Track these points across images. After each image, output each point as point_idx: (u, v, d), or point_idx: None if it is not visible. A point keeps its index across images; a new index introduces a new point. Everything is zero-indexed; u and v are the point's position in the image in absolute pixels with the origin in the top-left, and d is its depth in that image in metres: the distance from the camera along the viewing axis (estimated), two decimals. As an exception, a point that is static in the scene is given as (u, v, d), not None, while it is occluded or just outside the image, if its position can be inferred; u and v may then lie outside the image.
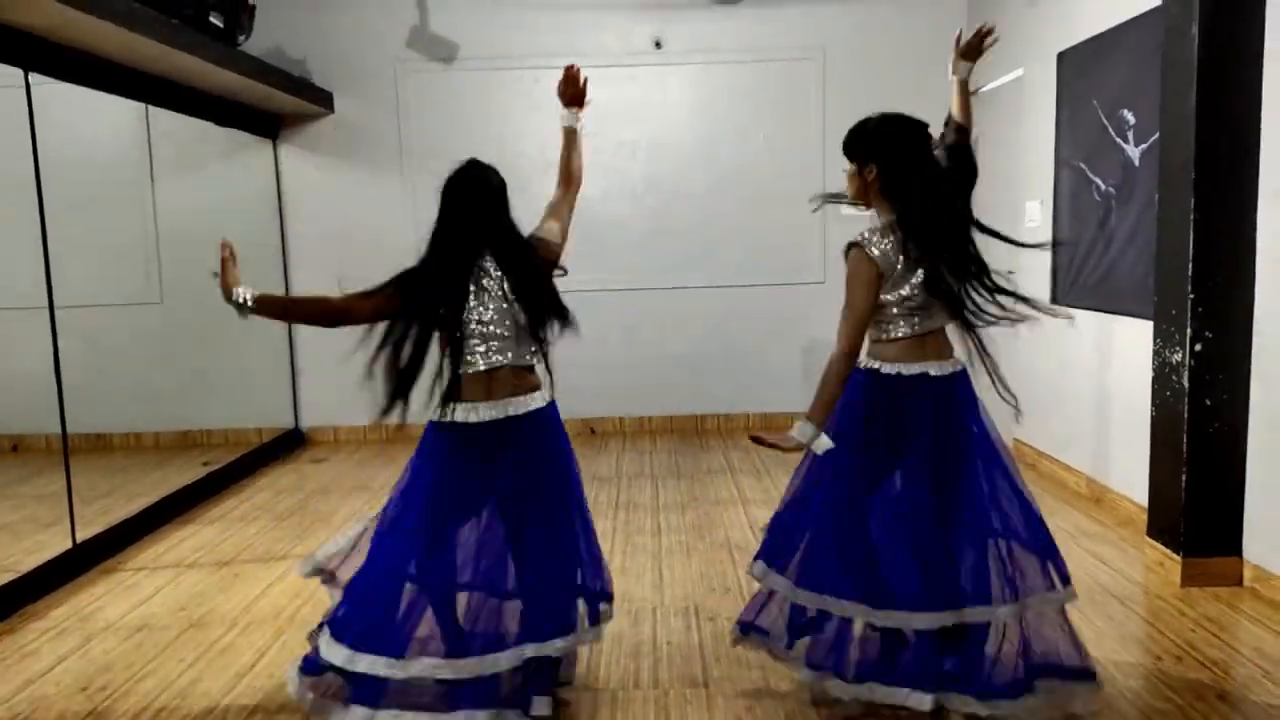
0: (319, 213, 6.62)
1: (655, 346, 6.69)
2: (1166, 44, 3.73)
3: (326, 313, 2.83)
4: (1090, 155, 4.72)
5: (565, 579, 2.73)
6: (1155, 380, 3.82)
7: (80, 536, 4.28)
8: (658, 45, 6.52)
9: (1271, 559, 3.49)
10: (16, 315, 6.04)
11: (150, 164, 6.49)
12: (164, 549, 4.49)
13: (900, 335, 2.84)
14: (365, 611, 2.58)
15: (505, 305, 2.66)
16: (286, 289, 6.68)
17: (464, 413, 2.64)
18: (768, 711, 2.81)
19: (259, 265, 6.57)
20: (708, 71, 6.56)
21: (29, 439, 6.53)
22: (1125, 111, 4.41)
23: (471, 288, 2.65)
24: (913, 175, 2.81)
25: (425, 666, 2.55)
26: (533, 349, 2.74)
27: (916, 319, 2.85)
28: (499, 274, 2.68)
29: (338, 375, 6.69)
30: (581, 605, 2.77)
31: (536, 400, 2.73)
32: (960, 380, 2.95)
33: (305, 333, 6.72)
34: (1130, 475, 4.38)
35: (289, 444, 6.63)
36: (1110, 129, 4.52)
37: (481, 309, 2.65)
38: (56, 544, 4.18)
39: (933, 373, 2.88)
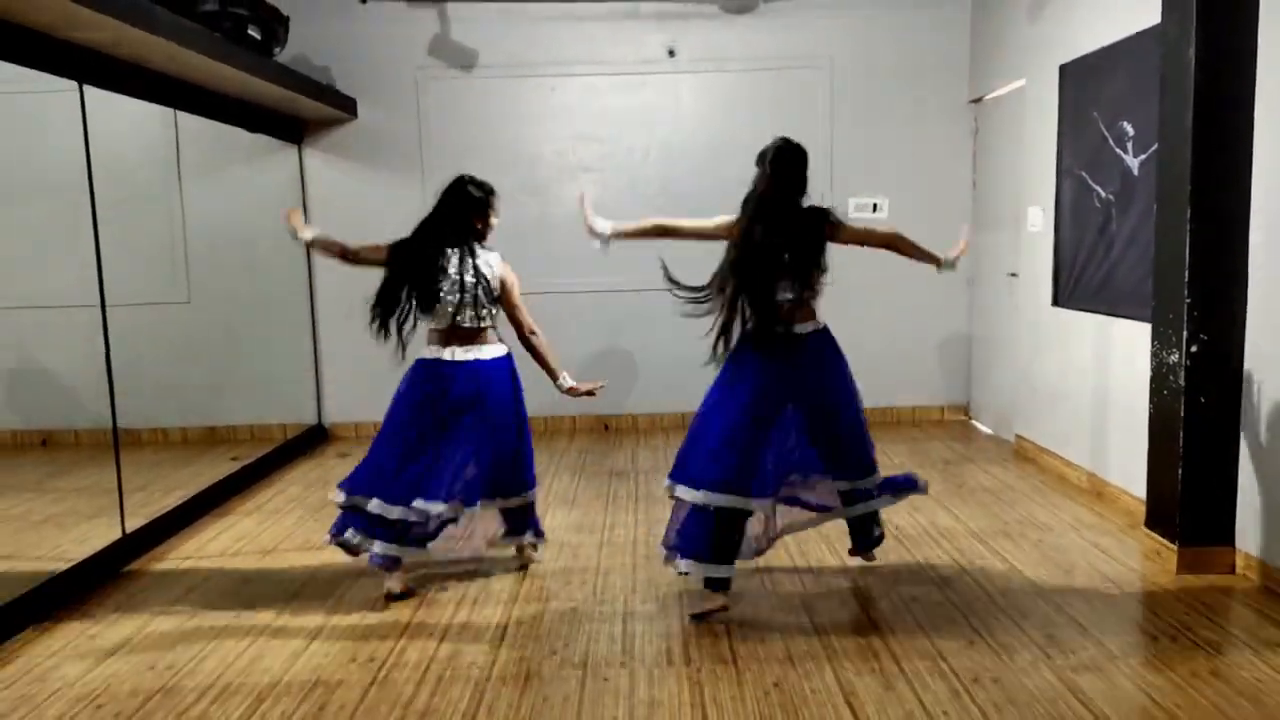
0: (341, 215, 6.80)
1: (666, 346, 6.88)
2: (1164, 61, 3.95)
3: (344, 253, 4.16)
4: (1091, 164, 4.94)
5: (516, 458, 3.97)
6: (1153, 379, 4.04)
7: (128, 528, 4.49)
8: (671, 54, 6.73)
9: (1262, 547, 3.71)
10: (47, 314, 6.26)
11: (178, 167, 6.69)
12: (205, 540, 4.69)
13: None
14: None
15: (458, 284, 3.80)
16: (310, 287, 6.89)
17: (431, 353, 3.89)
18: (793, 685, 3.03)
19: (284, 265, 6.78)
20: (719, 79, 6.77)
21: (58, 434, 6.73)
22: (1125, 123, 4.63)
23: (442, 265, 3.81)
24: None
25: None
26: (484, 317, 3.87)
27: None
28: (456, 262, 3.83)
29: (359, 372, 6.98)
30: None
31: (485, 352, 3.89)
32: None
33: (328, 331, 6.92)
34: (1129, 470, 4.60)
35: (313, 440, 6.84)
36: (1110, 140, 4.74)
37: (445, 283, 3.79)
38: (104, 535, 4.38)
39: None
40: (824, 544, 4.29)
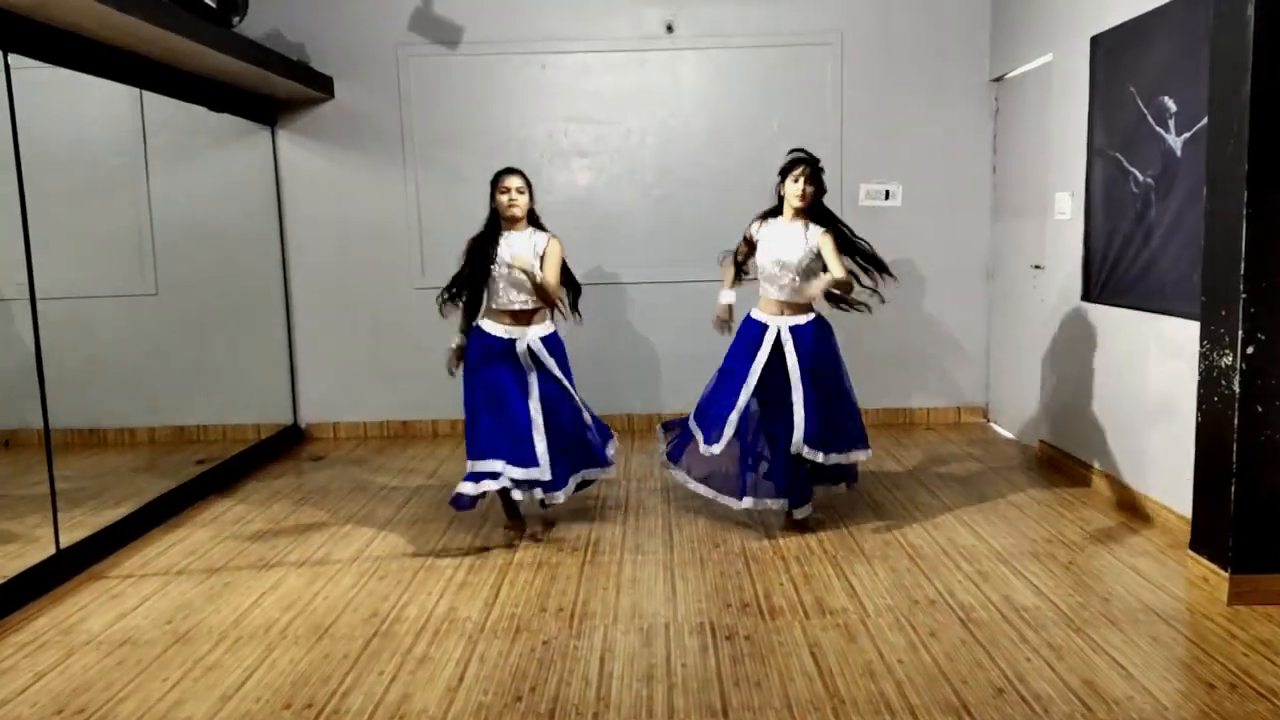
0: (318, 202, 6.40)
1: (664, 341, 6.47)
2: (1216, 27, 3.49)
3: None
4: (1127, 144, 4.48)
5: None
6: (1202, 384, 3.59)
7: (67, 540, 4.09)
8: (669, 29, 6.28)
9: (1327, 577, 3.27)
10: (6, 307, 5.86)
11: (144, 151, 6.28)
12: (153, 554, 4.29)
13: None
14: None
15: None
16: (285, 278, 6.47)
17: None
18: (793, 745, 2.60)
19: (257, 255, 6.37)
20: (721, 56, 6.32)
21: (22, 434, 6.32)
22: (1166, 99, 4.17)
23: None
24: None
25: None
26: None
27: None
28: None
29: (338, 369, 6.56)
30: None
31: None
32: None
33: (304, 326, 6.50)
34: (1169, 483, 4.16)
35: (288, 441, 6.43)
36: (1149, 117, 4.29)
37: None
38: (40, 550, 3.99)
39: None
40: (830, 565, 3.86)
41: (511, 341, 4.16)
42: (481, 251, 4.16)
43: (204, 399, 6.52)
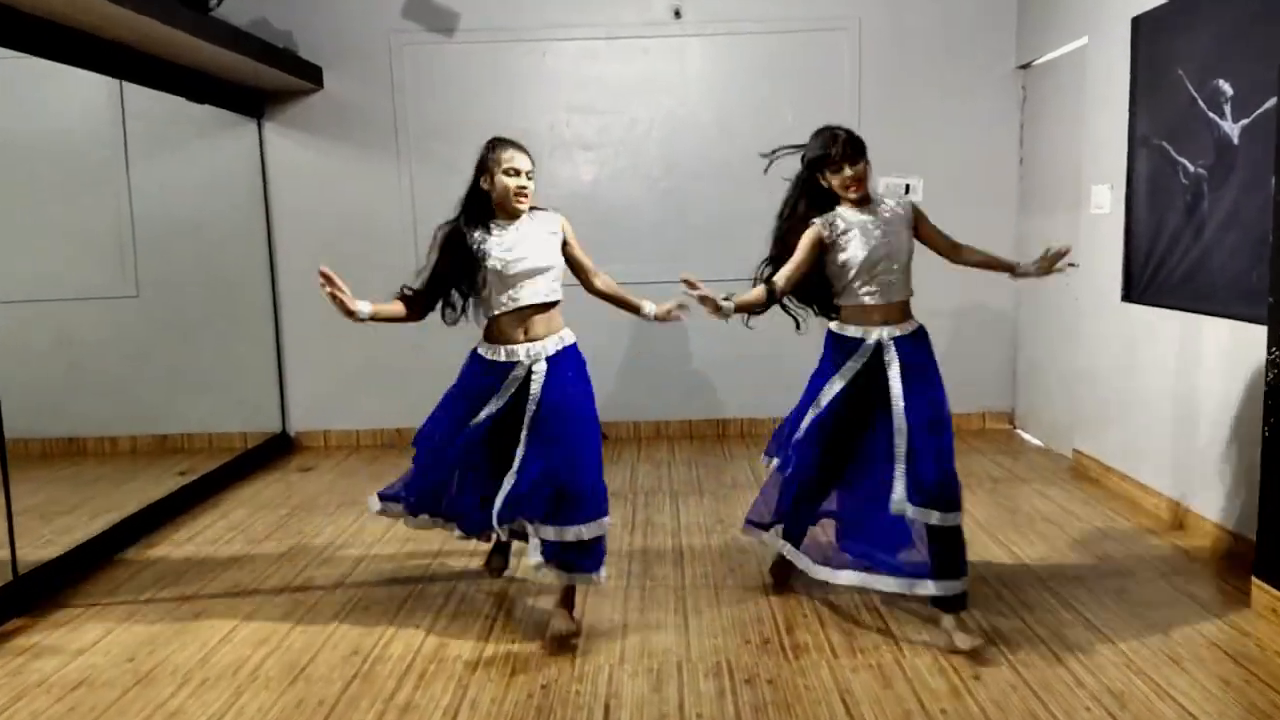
0: (307, 196, 6.07)
1: (672, 345, 6.13)
2: (1287, -2, 3.15)
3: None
4: (1175, 132, 4.14)
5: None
6: (1269, 395, 3.24)
7: (28, 564, 3.77)
8: (677, 15, 5.94)
9: None
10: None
11: (125, 145, 5.97)
12: (122, 578, 3.96)
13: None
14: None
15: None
16: (273, 278, 6.14)
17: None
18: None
19: (243, 253, 6.05)
20: (730, 43, 5.97)
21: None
22: (1220, 81, 3.83)
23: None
24: None
25: None
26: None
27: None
28: None
29: (329, 374, 6.23)
30: None
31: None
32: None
33: (293, 328, 6.18)
34: (1222, 499, 3.83)
35: (276, 449, 6.11)
36: (1201, 102, 3.94)
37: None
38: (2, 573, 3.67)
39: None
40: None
41: (508, 367, 3.20)
42: (463, 249, 3.13)
43: (188, 406, 6.20)
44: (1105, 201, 4.74)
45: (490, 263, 3.12)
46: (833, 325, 3.36)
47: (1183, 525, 4.11)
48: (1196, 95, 3.98)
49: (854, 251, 3.21)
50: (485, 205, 3.19)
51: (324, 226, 6.00)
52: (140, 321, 6.06)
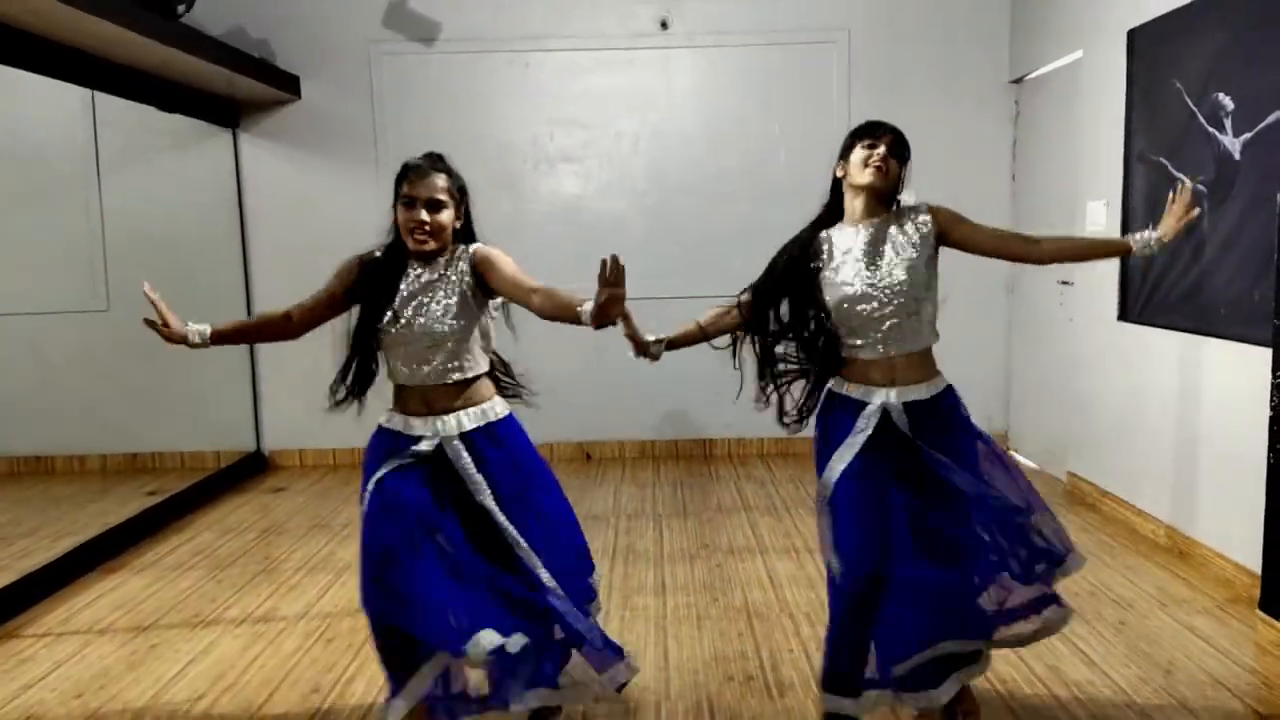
0: (284, 209, 5.92)
1: (659, 365, 5.96)
2: (1292, 8, 3.04)
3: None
4: (1174, 148, 4.02)
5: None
6: (1274, 421, 3.11)
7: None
8: (664, 26, 5.82)
9: None
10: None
11: (96, 156, 5.81)
12: (78, 606, 3.79)
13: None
14: None
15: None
16: (247, 292, 5.98)
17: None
18: None
19: (216, 267, 5.89)
20: (718, 55, 5.85)
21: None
22: (1221, 95, 3.71)
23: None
24: None
25: None
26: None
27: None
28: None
29: (305, 392, 6.04)
30: None
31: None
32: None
33: (269, 346, 6.01)
34: (1225, 529, 3.69)
35: (250, 468, 5.93)
36: (1200, 116, 3.82)
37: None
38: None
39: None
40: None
41: (415, 439, 2.50)
42: (372, 298, 2.50)
43: (159, 424, 6.03)
44: (1101, 218, 4.62)
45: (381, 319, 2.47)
46: (831, 384, 2.65)
47: (1183, 553, 3.97)
48: (1195, 110, 3.86)
49: (835, 283, 2.53)
50: (399, 246, 2.52)
51: (300, 239, 5.84)
52: (111, 336, 5.88)
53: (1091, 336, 4.74)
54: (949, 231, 2.58)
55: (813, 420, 2.65)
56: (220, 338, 2.59)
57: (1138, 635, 3.26)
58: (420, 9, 5.74)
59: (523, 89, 5.86)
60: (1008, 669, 3.02)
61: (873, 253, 2.51)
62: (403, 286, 2.47)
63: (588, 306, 2.27)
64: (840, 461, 2.48)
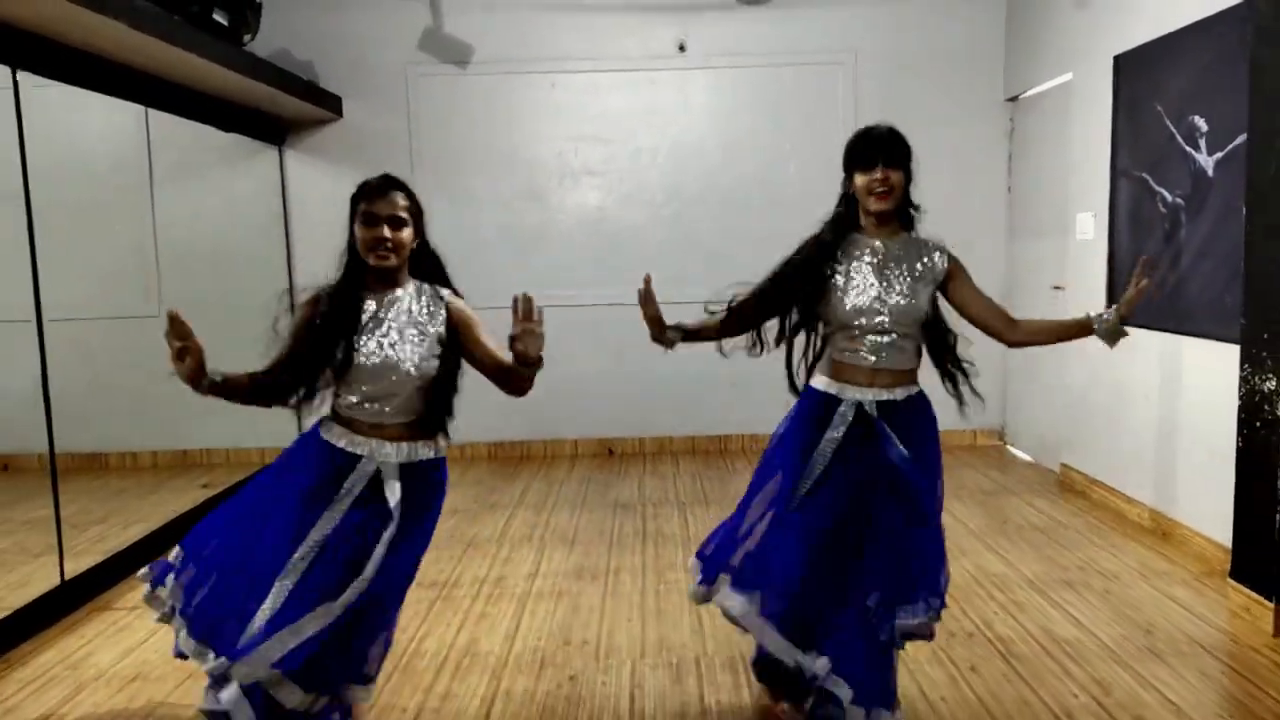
0: (326, 222, 6.20)
1: (676, 364, 6.34)
2: (1255, 44, 3.43)
3: None
4: (1154, 165, 4.42)
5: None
6: (1243, 409, 3.50)
7: (71, 570, 3.97)
8: (681, 49, 6.22)
9: (1377, 607, 3.17)
10: (5, 329, 5.75)
11: (150, 170, 6.20)
12: (160, 584, 4.16)
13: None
14: None
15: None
16: (291, 300, 6.33)
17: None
18: (839, 788, 2.49)
19: (262, 274, 6.28)
20: (732, 75, 6.26)
21: (20, 458, 6.21)
22: (1196, 118, 4.11)
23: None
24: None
25: None
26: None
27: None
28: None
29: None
30: None
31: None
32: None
33: (310, 348, 6.40)
34: (1202, 508, 4.07)
35: (293, 465, 6.30)
36: (1179, 137, 4.22)
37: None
38: (45, 579, 3.87)
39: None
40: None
41: (353, 460, 2.44)
42: (333, 319, 2.45)
43: (208, 423, 6.40)
44: (1089, 229, 5.01)
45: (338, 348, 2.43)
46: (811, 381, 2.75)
47: (1165, 534, 4.35)
48: (1174, 130, 4.26)
49: (848, 288, 2.61)
50: (359, 267, 2.50)
51: (341, 250, 6.22)
52: (163, 340, 6.24)
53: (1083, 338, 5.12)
54: (953, 283, 2.67)
55: (814, 380, 2.75)
56: (226, 384, 2.51)
57: (1121, 602, 3.65)
58: (454, 33, 6.14)
59: (549, 107, 6.25)
60: (1004, 629, 3.41)
61: (887, 271, 2.60)
62: (365, 316, 2.45)
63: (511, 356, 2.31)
64: (808, 478, 2.58)
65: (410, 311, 2.47)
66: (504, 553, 4.38)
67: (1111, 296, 4.82)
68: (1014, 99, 6.07)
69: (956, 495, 5.13)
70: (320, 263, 6.45)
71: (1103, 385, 4.92)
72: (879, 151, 2.55)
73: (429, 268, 2.58)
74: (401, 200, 2.44)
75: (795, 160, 6.26)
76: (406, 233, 2.44)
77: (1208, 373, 4.02)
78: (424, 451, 2.49)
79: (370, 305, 2.46)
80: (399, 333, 2.43)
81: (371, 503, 2.41)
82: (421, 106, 6.22)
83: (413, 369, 2.41)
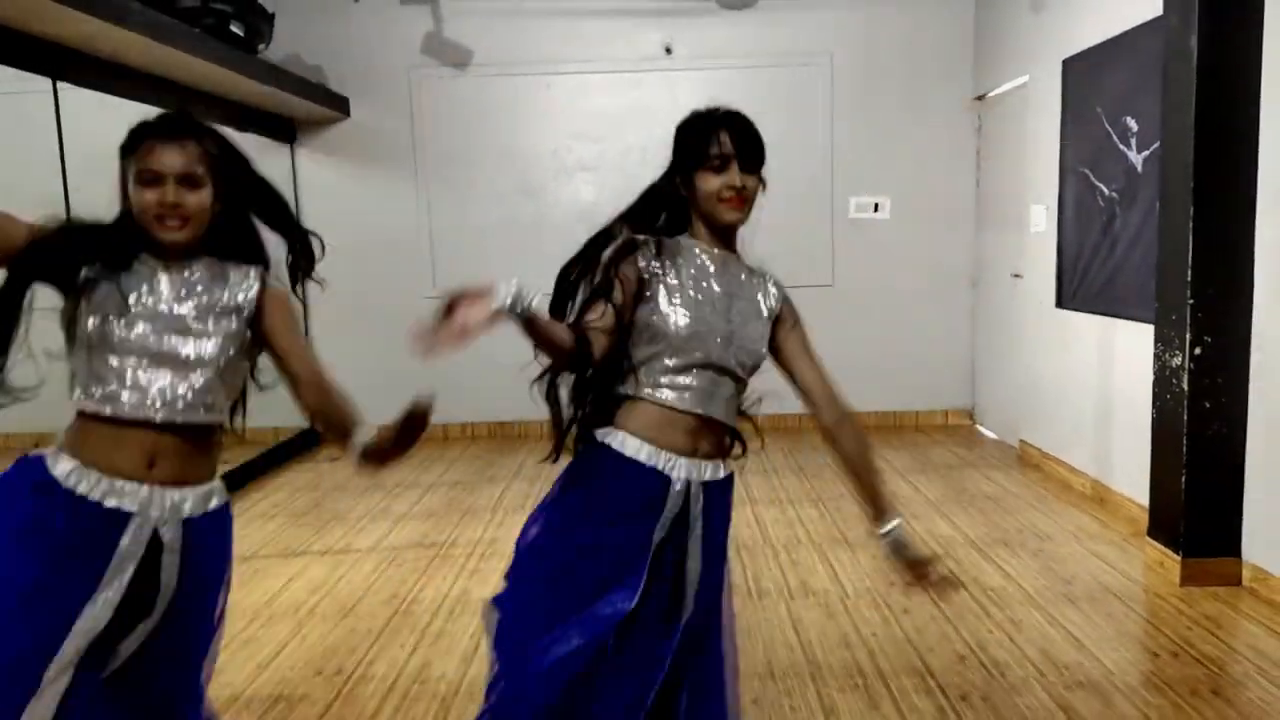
0: (334, 216, 6.68)
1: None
2: (1167, 55, 3.81)
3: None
4: (1095, 161, 4.80)
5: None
6: (1156, 383, 3.89)
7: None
8: (668, 51, 6.61)
9: (1270, 559, 3.56)
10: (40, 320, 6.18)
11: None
12: (185, 545, 4.59)
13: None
14: None
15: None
16: (302, 289, 6.76)
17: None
18: (772, 701, 2.90)
19: (273, 268, 6.68)
20: (716, 77, 6.64)
21: (50, 437, 6.62)
22: (1128, 118, 4.48)
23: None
24: None
25: None
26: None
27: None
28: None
29: (352, 375, 6.84)
30: None
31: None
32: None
33: (320, 328, 6.81)
34: (1133, 476, 4.46)
35: (305, 443, 6.73)
36: (1114, 135, 4.60)
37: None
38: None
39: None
40: (815, 551, 4.16)
41: (122, 519, 1.76)
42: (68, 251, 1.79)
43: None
44: (1042, 221, 5.40)
45: (89, 314, 1.78)
46: (604, 435, 1.91)
47: (1102, 500, 4.74)
48: (1110, 129, 4.64)
49: (678, 305, 1.93)
50: (134, 232, 1.83)
51: (350, 241, 6.62)
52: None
53: (1037, 321, 5.52)
54: (781, 330, 2.04)
55: (623, 442, 1.89)
56: None
57: (1050, 558, 4.05)
58: (454, 38, 6.54)
59: (544, 107, 6.65)
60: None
61: (728, 293, 1.99)
62: (144, 283, 1.82)
63: (362, 439, 1.87)
64: (608, 606, 1.83)
65: (224, 281, 1.91)
66: (498, 518, 4.80)
67: (1060, 285, 5.21)
68: (981, 98, 6.45)
69: (921, 469, 5.53)
70: (330, 251, 6.85)
71: (1052, 365, 5.30)
72: (737, 151, 1.98)
73: (239, 239, 1.95)
74: (190, 160, 1.78)
75: (776, 156, 6.60)
76: (206, 194, 1.81)
77: (1137, 352, 4.40)
78: (208, 495, 1.93)
79: (148, 278, 1.83)
80: (199, 305, 1.87)
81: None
82: (424, 106, 6.62)
83: (206, 353, 1.87)
